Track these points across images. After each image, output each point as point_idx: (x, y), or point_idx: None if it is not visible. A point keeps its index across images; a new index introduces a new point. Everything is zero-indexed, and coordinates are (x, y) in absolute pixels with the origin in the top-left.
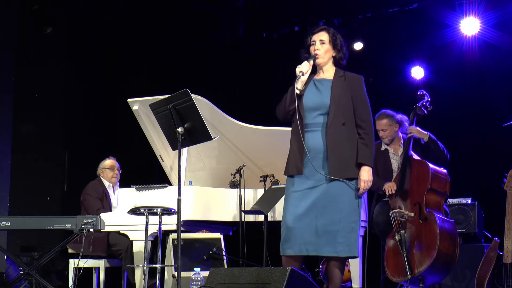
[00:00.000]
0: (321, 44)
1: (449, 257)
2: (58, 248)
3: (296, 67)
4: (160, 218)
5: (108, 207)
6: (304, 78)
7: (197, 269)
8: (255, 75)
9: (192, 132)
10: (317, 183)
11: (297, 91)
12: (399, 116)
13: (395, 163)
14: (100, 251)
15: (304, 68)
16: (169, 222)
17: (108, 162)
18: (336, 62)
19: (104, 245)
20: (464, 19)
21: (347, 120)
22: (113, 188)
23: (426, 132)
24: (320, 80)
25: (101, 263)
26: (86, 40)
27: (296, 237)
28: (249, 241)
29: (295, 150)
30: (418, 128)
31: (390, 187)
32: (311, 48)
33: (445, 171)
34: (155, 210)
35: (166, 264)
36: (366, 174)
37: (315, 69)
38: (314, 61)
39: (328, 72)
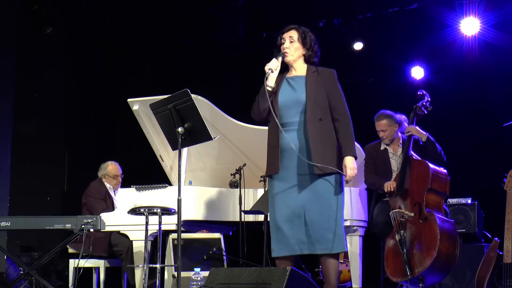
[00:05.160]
0: (290, 42)
1: (449, 257)
2: (58, 248)
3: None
4: (160, 218)
5: (112, 207)
6: (273, 75)
7: (197, 269)
8: (255, 75)
9: (192, 132)
10: (300, 181)
11: (269, 88)
12: (398, 116)
13: (394, 163)
14: (102, 251)
15: (273, 65)
16: (169, 222)
17: (112, 169)
18: (306, 60)
19: (106, 245)
20: (464, 19)
21: (323, 115)
22: (114, 190)
23: (424, 133)
24: (293, 78)
25: (101, 263)
26: (86, 40)
27: (288, 237)
28: (249, 241)
29: (273, 150)
30: (417, 128)
31: (390, 185)
32: (282, 47)
33: (445, 171)
34: (155, 210)
35: (166, 264)
36: (350, 162)
37: (287, 68)
38: (283, 58)
39: (300, 69)
